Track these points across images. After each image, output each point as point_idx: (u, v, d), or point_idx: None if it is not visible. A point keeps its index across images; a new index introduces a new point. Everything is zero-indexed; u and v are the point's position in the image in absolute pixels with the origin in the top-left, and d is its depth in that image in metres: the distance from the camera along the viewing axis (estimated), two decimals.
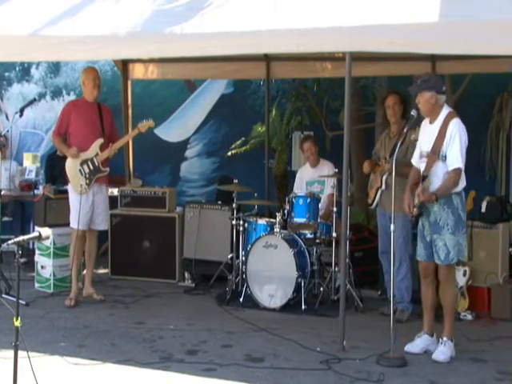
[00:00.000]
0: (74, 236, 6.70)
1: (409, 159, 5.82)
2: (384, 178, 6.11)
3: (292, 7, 5.05)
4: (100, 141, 6.72)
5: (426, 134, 5.17)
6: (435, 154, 5.04)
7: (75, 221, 6.62)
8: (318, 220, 6.77)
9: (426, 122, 5.22)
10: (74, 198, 6.67)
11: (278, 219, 6.72)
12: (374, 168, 6.29)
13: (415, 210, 5.08)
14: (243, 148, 9.84)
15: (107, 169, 6.80)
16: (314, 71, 8.58)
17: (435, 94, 5.09)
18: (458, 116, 5.13)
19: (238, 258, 7.10)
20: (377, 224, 6.65)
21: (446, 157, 5.01)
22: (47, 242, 7.06)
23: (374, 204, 6.33)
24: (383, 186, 6.14)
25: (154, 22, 5.25)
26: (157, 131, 9.76)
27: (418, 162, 5.28)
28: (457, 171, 4.99)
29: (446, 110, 5.13)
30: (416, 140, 5.45)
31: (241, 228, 7.10)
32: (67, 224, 6.80)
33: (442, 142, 5.02)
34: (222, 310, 6.53)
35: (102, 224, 6.91)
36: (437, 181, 5.05)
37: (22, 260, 7.83)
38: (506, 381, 4.74)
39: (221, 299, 6.86)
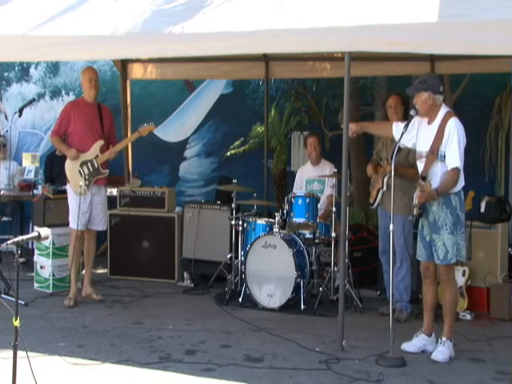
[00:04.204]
0: (72, 236, 6.71)
1: (411, 161, 5.83)
2: (385, 179, 6.10)
3: (291, 7, 5.05)
4: (100, 142, 6.73)
5: (425, 134, 5.17)
6: (434, 153, 5.04)
7: (74, 221, 6.63)
8: (317, 220, 6.77)
9: (424, 123, 5.21)
10: (72, 199, 6.68)
11: (277, 219, 6.72)
12: (376, 169, 6.30)
13: (415, 210, 5.08)
14: (242, 148, 9.83)
15: (107, 171, 6.80)
16: (313, 71, 8.58)
17: (432, 94, 5.08)
18: (456, 116, 5.13)
19: (237, 258, 7.10)
20: (376, 224, 6.65)
21: (444, 156, 5.01)
22: (46, 242, 7.06)
23: (376, 204, 6.33)
24: (384, 187, 6.13)
25: (154, 21, 5.25)
26: (156, 131, 9.71)
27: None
28: (456, 170, 4.99)
29: (444, 110, 5.13)
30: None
31: (240, 228, 7.10)
32: (66, 224, 6.80)
33: (440, 142, 5.02)
34: (220, 310, 6.53)
35: (101, 224, 6.91)
36: (436, 181, 5.04)
37: (21, 260, 7.89)
38: (505, 381, 4.74)
39: (220, 299, 6.86)
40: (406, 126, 5.22)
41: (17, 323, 3.62)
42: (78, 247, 6.72)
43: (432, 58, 7.64)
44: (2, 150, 9.41)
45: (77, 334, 5.68)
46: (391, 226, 5.14)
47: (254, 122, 9.78)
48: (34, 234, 3.80)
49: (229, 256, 7.31)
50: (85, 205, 6.66)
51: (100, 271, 8.06)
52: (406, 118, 6.07)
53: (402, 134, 5.21)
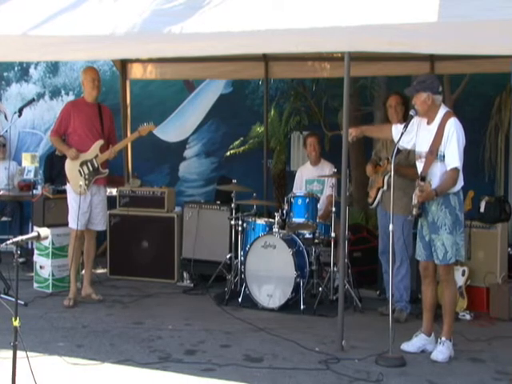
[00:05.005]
0: (72, 236, 6.70)
1: (411, 161, 5.83)
2: (386, 178, 6.11)
3: (291, 7, 5.05)
4: (100, 142, 6.73)
5: (424, 135, 5.17)
6: (433, 154, 5.05)
7: (74, 221, 6.63)
8: (317, 220, 6.77)
9: (423, 123, 5.22)
10: (72, 199, 6.67)
11: (276, 219, 6.71)
12: (376, 169, 6.30)
13: (415, 210, 5.09)
14: (242, 148, 9.83)
15: (106, 170, 6.80)
16: (312, 71, 8.58)
17: (431, 94, 5.09)
18: (455, 116, 5.13)
19: (236, 258, 7.10)
20: (375, 224, 6.64)
21: (444, 156, 5.02)
22: (46, 242, 7.06)
23: (375, 203, 6.34)
24: (385, 187, 6.13)
25: (153, 21, 5.25)
26: (155, 131, 9.70)
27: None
28: (455, 170, 4.99)
29: (443, 110, 5.13)
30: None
31: (239, 228, 7.10)
32: (66, 224, 6.79)
33: (439, 142, 5.02)
34: (220, 310, 6.53)
35: (100, 224, 6.91)
36: (435, 181, 5.05)
37: (21, 260, 7.88)
38: (505, 381, 4.74)
39: (219, 299, 6.86)
40: (406, 127, 5.22)
41: (16, 323, 3.62)
42: (77, 247, 6.72)
43: (432, 58, 7.64)
44: (2, 149, 9.41)
45: (76, 333, 5.68)
46: (391, 226, 5.14)
47: (254, 121, 9.78)
48: (34, 234, 3.81)
49: (228, 256, 7.30)
50: (84, 205, 6.66)
51: (100, 271, 8.05)
52: (406, 118, 6.09)
53: (402, 134, 5.21)
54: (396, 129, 5.40)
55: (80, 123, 6.69)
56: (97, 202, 6.80)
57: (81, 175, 6.65)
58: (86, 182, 6.67)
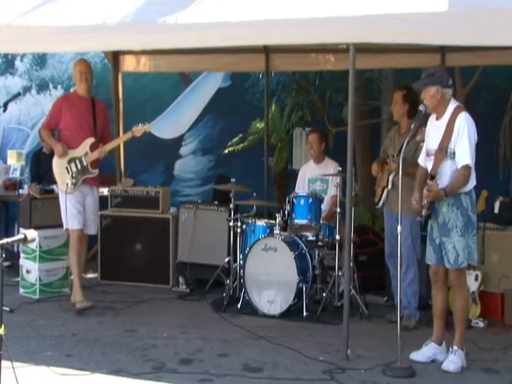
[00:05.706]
0: (73, 238, 6.66)
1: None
2: (391, 177, 6.12)
3: None
4: (90, 140, 6.73)
5: (433, 131, 5.18)
6: (443, 151, 5.05)
7: (70, 221, 6.60)
8: (321, 221, 6.78)
9: (432, 118, 5.23)
10: (66, 198, 6.63)
11: (277, 220, 6.72)
12: (383, 167, 6.31)
13: (424, 210, 5.09)
14: (241, 145, 9.84)
15: (96, 170, 6.79)
16: (315, 64, 8.58)
17: (440, 88, 5.09)
18: (466, 110, 5.13)
19: (235, 261, 7.11)
20: (382, 225, 6.65)
21: (454, 154, 5.02)
22: (33, 245, 7.06)
23: (381, 203, 6.35)
24: (389, 186, 6.16)
25: (147, 10, 5.25)
26: None
27: (424, 161, 5.31)
28: (466, 168, 5.00)
29: (453, 105, 5.14)
30: (422, 141, 5.47)
31: (238, 230, 7.10)
32: (54, 226, 6.81)
33: (449, 139, 5.03)
34: (218, 317, 6.54)
35: (92, 228, 6.92)
36: (445, 180, 5.05)
37: (6, 264, 7.84)
38: None
39: (217, 305, 6.87)
40: (416, 122, 5.24)
41: (1, 331, 3.62)
42: (78, 248, 6.66)
43: (442, 50, 7.64)
44: None
45: (65, 342, 5.69)
46: (399, 228, 5.14)
47: (254, 117, 9.78)
48: (20, 236, 3.81)
49: (227, 259, 7.32)
50: (78, 204, 6.66)
51: (90, 276, 8.07)
52: (410, 114, 6.10)
53: (411, 129, 5.23)
54: (421, 160, 5.39)
55: (71, 118, 6.70)
56: (89, 203, 6.81)
57: (68, 173, 6.65)
58: (74, 180, 6.67)
